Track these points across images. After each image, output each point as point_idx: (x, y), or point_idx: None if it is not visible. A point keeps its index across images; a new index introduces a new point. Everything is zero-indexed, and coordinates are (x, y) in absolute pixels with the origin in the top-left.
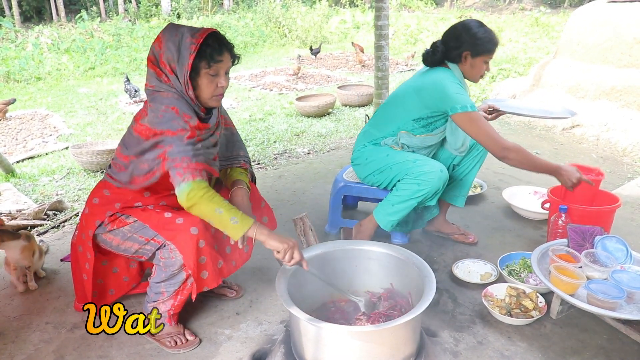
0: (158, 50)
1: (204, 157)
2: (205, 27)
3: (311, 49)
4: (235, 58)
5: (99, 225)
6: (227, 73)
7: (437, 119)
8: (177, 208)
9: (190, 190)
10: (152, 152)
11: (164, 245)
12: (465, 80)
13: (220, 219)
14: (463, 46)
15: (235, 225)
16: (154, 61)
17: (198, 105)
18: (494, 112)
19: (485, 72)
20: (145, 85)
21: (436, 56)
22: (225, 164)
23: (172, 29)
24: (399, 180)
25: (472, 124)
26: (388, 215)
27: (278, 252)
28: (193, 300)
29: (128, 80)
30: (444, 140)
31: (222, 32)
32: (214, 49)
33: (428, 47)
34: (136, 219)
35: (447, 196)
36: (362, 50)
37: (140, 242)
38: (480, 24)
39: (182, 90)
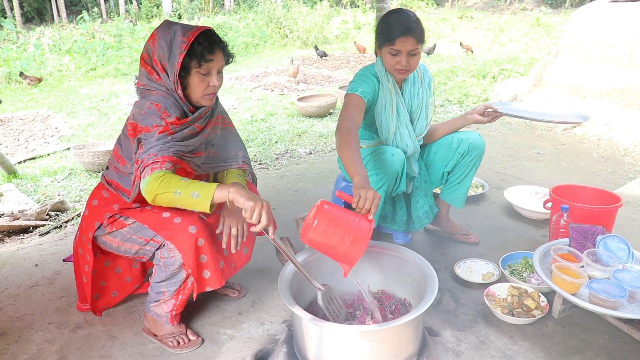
0: (151, 47)
1: (174, 149)
2: (199, 25)
3: (316, 48)
4: (229, 57)
5: (99, 227)
6: (219, 72)
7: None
8: (176, 208)
9: (146, 186)
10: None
11: (163, 245)
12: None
13: (183, 200)
14: (375, 38)
15: (198, 200)
16: (146, 59)
17: (187, 104)
18: (493, 114)
19: (400, 65)
20: (137, 84)
21: None
22: (224, 164)
23: (165, 27)
24: None
25: (343, 105)
26: None
27: (246, 210)
28: (194, 300)
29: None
30: (431, 152)
31: (222, 33)
32: (204, 47)
33: None
34: (135, 220)
35: (446, 198)
36: (364, 51)
37: (140, 243)
38: (391, 13)
39: (172, 88)
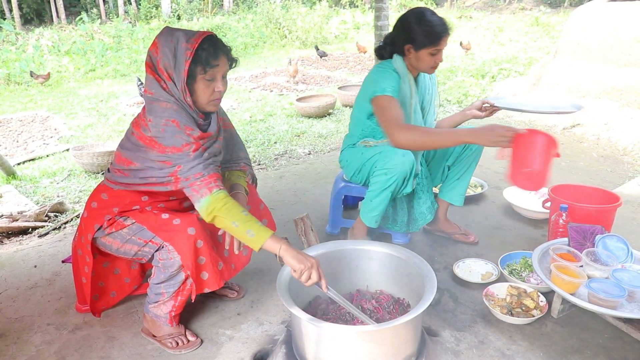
0: (155, 56)
1: (213, 165)
2: (201, 30)
3: (317, 48)
4: (232, 61)
5: (98, 229)
6: (224, 77)
7: None
8: (175, 210)
9: (208, 205)
10: (161, 168)
11: (162, 247)
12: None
13: (238, 233)
14: (405, 40)
15: (251, 239)
16: (152, 67)
17: (196, 111)
18: (490, 109)
19: (438, 62)
20: (145, 91)
21: (386, 49)
22: (225, 166)
23: (167, 34)
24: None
25: (378, 108)
26: (369, 211)
27: (294, 271)
28: (192, 301)
29: (141, 82)
30: None
31: (222, 34)
32: (209, 53)
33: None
34: (134, 221)
35: (445, 196)
36: (364, 51)
37: (139, 245)
38: (423, 15)
39: (180, 97)
